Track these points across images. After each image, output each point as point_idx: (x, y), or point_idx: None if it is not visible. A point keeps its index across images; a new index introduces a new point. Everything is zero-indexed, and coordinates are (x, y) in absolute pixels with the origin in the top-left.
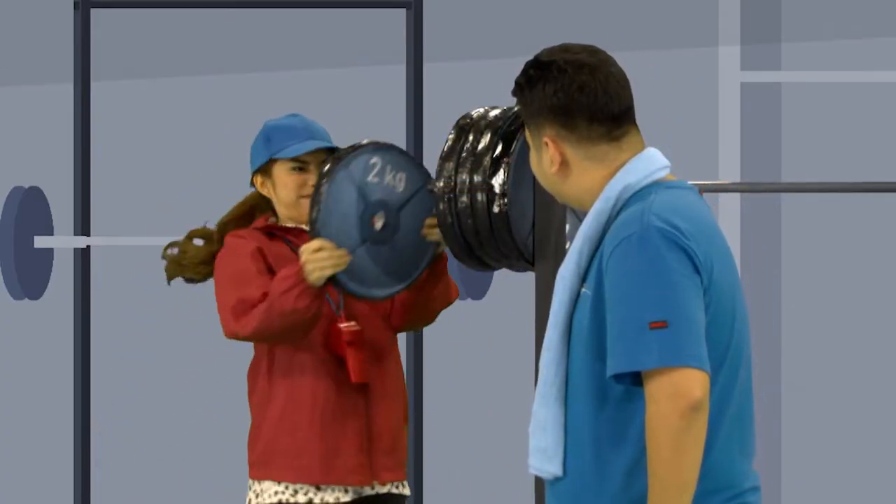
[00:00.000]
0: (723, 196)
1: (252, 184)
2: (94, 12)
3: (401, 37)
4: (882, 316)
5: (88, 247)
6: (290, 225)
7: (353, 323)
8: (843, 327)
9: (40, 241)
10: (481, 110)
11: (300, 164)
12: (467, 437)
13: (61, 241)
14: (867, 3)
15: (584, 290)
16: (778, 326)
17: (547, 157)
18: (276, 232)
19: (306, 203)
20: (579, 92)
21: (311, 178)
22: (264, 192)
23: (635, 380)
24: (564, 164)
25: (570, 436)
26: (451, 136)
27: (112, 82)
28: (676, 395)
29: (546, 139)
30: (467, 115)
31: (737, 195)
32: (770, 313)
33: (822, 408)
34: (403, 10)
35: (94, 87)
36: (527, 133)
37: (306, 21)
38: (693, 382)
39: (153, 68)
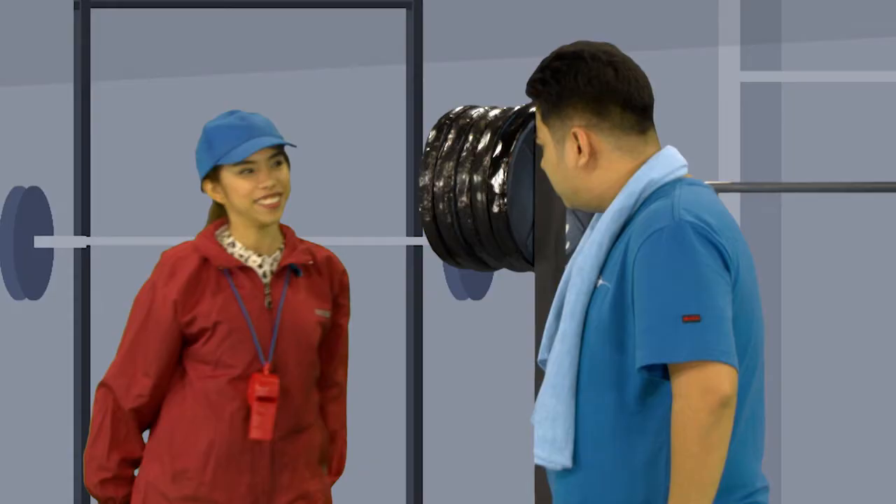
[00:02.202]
0: (723, 196)
1: (203, 190)
2: (94, 12)
3: (401, 37)
4: (882, 316)
5: (88, 247)
6: (239, 252)
7: (273, 380)
8: (844, 327)
9: (40, 241)
10: (459, 108)
11: (248, 167)
12: (467, 436)
13: (61, 241)
14: (867, 3)
15: (601, 282)
16: (778, 326)
17: (572, 150)
18: (223, 267)
19: (262, 210)
20: (615, 78)
21: (262, 179)
22: (217, 198)
23: (664, 373)
24: (593, 155)
25: (583, 427)
26: (431, 134)
27: (112, 82)
28: (707, 391)
29: (575, 130)
30: (448, 115)
31: (737, 195)
32: (770, 313)
33: (822, 407)
34: (403, 10)
35: (94, 87)
36: (543, 131)
37: (306, 21)
38: (724, 378)
39: (153, 68)
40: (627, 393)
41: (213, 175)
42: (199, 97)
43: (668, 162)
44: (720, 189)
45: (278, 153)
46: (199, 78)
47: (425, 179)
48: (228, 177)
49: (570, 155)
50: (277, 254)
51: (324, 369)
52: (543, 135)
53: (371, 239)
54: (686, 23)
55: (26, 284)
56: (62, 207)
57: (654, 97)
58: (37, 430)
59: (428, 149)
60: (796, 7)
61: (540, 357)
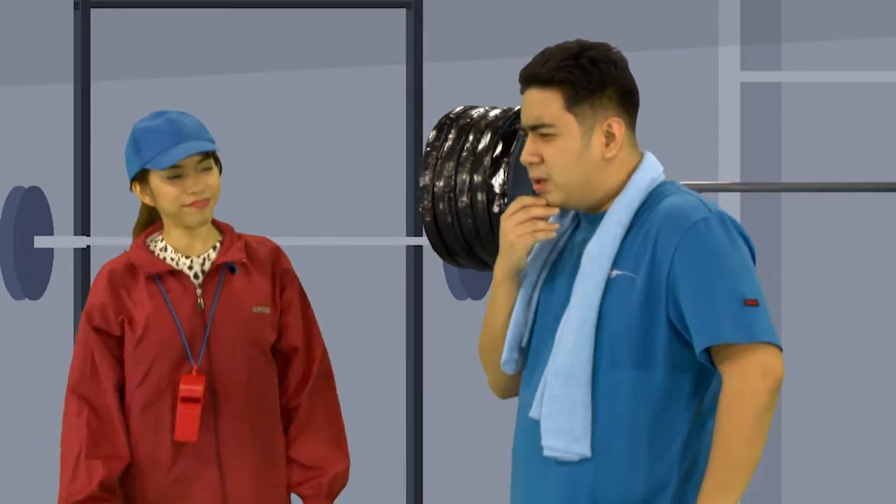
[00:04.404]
0: (723, 196)
1: (131, 190)
2: (94, 12)
3: (401, 37)
4: (882, 315)
5: (88, 247)
6: (170, 256)
7: (200, 380)
8: (844, 327)
9: (40, 241)
10: (459, 108)
11: (175, 172)
12: (467, 436)
13: (61, 241)
14: (867, 3)
15: (616, 273)
16: (778, 326)
17: (599, 141)
18: (149, 273)
19: (189, 212)
20: (633, 77)
21: (191, 184)
22: (146, 200)
23: (708, 358)
24: (620, 148)
25: (598, 416)
26: (431, 134)
27: (112, 82)
28: (766, 373)
29: (612, 120)
30: (448, 115)
31: (737, 195)
32: (770, 313)
33: (822, 407)
34: (403, 10)
35: (94, 87)
36: (563, 119)
37: (306, 21)
38: (779, 360)
39: (153, 68)
40: (651, 382)
41: (140, 178)
42: (199, 97)
43: (657, 164)
44: (720, 189)
45: (207, 158)
46: (199, 78)
47: (425, 179)
48: (156, 181)
49: (596, 145)
50: (211, 252)
51: (292, 365)
52: (562, 123)
53: (371, 239)
54: (686, 23)
55: (26, 284)
56: (62, 207)
57: (652, 98)
58: (37, 430)
59: (428, 149)
60: (796, 7)
61: (508, 356)
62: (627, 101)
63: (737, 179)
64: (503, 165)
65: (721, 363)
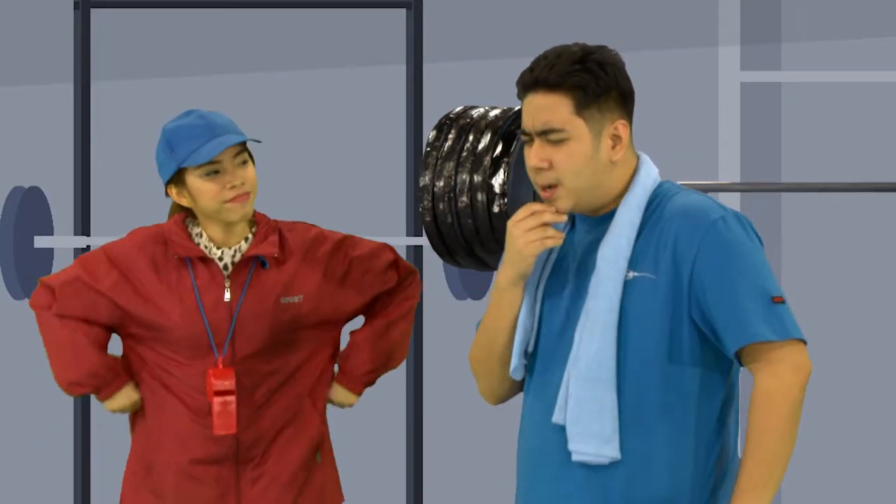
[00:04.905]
0: (723, 196)
1: (167, 194)
2: (94, 12)
3: (401, 37)
4: (882, 315)
5: (88, 247)
6: (204, 243)
7: (229, 373)
8: (844, 327)
9: (40, 241)
10: (459, 108)
11: (213, 168)
12: (467, 436)
13: (61, 241)
14: (867, 3)
15: (633, 274)
16: None
17: (606, 143)
18: (181, 256)
19: (231, 208)
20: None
21: (229, 179)
22: (183, 202)
23: (741, 356)
24: (625, 150)
25: (625, 418)
26: (431, 134)
27: (112, 82)
28: (798, 368)
29: (619, 123)
30: (448, 115)
31: (737, 195)
32: None
33: (821, 407)
34: (403, 10)
35: (94, 87)
36: (573, 123)
37: (306, 21)
38: (807, 356)
39: (153, 68)
40: (679, 382)
41: (176, 179)
42: (199, 97)
43: (652, 164)
44: (720, 189)
45: (243, 151)
46: (199, 78)
47: (425, 179)
48: (193, 180)
49: (604, 148)
50: (243, 243)
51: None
52: (572, 127)
53: (371, 239)
54: (686, 23)
55: (26, 284)
56: (62, 207)
57: (652, 98)
58: (37, 430)
59: (428, 149)
60: (796, 7)
61: (518, 362)
62: (629, 103)
63: (737, 179)
64: (503, 165)
65: (752, 362)
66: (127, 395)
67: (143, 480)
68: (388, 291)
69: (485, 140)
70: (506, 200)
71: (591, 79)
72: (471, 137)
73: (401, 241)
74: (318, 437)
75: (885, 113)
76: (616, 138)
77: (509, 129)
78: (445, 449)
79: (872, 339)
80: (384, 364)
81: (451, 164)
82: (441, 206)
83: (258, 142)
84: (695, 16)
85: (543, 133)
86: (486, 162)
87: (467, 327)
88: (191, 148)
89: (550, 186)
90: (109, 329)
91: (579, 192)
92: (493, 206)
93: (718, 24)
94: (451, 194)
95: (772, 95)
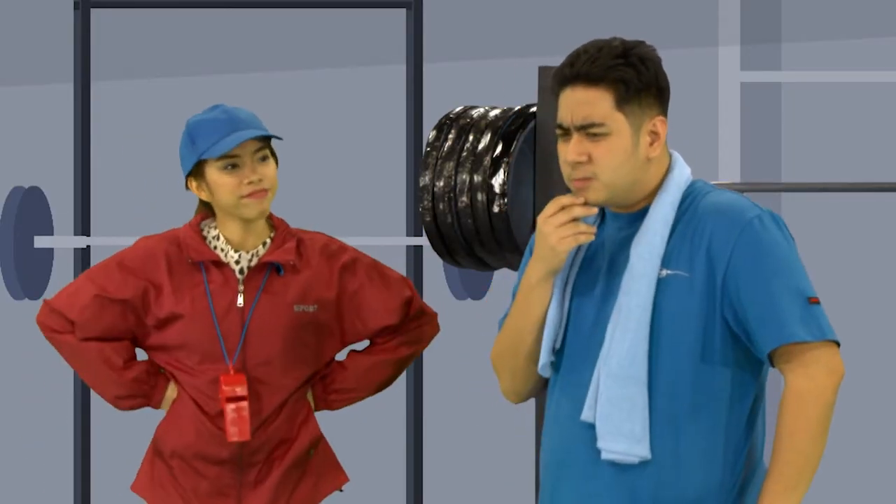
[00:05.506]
0: None
1: (188, 187)
2: (94, 12)
3: (401, 37)
4: (882, 315)
5: (88, 247)
6: (221, 246)
7: (241, 379)
8: (843, 327)
9: (40, 241)
10: (459, 108)
11: (232, 161)
12: (467, 436)
13: (61, 241)
14: (867, 3)
15: (666, 272)
16: None
17: (645, 139)
18: (195, 260)
19: (247, 203)
20: None
21: (248, 174)
22: (202, 196)
23: (773, 357)
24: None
25: (656, 417)
26: (431, 134)
27: (112, 82)
28: (832, 370)
29: (658, 119)
30: (448, 115)
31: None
32: None
33: None
34: (403, 10)
35: (94, 87)
36: (613, 118)
37: (306, 21)
38: (840, 359)
39: (153, 68)
40: (711, 382)
41: (197, 172)
42: (199, 97)
43: (684, 162)
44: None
45: (264, 147)
46: (199, 78)
47: (425, 179)
48: (212, 172)
49: (643, 143)
50: (261, 248)
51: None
52: (613, 121)
53: (371, 239)
54: (686, 23)
55: (26, 284)
56: (62, 207)
57: None
58: (37, 430)
59: (428, 149)
60: (796, 7)
61: (546, 359)
62: (666, 100)
63: (737, 179)
64: (503, 165)
65: (785, 362)
66: (174, 391)
67: (155, 466)
68: (392, 328)
69: (485, 140)
70: (506, 200)
71: (634, 73)
72: (471, 137)
73: (401, 241)
74: (316, 438)
75: (885, 113)
76: (654, 135)
77: (509, 129)
78: (445, 449)
79: (872, 339)
80: (357, 397)
81: (451, 164)
82: (441, 206)
83: (279, 139)
84: (695, 16)
85: (583, 127)
86: (486, 162)
87: (467, 327)
88: (211, 140)
89: (585, 178)
90: (133, 340)
91: (615, 188)
92: (493, 206)
93: (718, 24)
94: (451, 194)
95: (772, 95)
